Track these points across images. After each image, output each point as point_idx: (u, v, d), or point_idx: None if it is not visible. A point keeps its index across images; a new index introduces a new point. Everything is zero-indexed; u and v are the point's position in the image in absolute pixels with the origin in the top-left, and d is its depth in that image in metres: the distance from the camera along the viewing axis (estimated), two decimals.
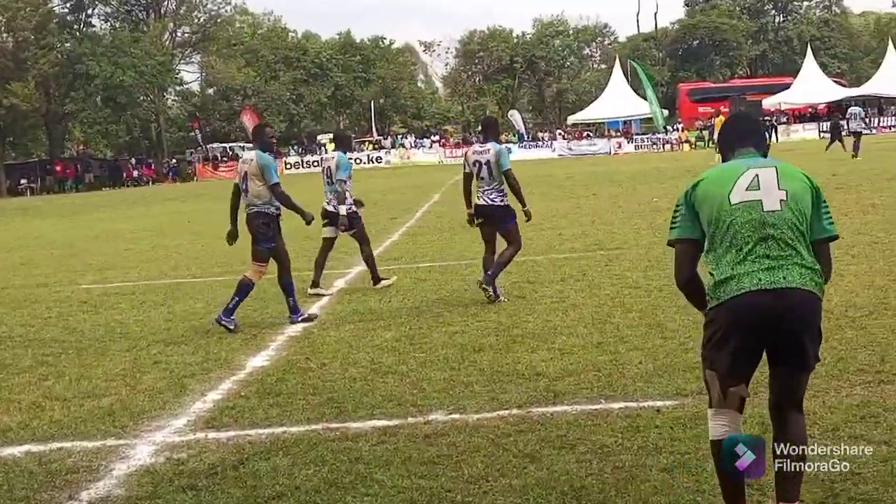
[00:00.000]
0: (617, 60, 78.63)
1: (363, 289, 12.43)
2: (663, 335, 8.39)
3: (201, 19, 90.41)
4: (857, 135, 36.51)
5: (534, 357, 7.95)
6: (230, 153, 74.26)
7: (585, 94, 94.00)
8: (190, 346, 9.43)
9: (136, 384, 7.99)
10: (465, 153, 11.40)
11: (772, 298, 4.13)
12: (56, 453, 6.24)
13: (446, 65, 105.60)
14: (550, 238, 16.08)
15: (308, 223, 10.61)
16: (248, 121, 69.37)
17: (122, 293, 13.55)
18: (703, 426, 4.96)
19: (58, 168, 72.69)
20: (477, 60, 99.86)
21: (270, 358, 8.72)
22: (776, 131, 59.04)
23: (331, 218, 12.43)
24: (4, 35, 75.79)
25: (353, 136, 69.14)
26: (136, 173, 73.48)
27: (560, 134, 75.19)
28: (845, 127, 41.49)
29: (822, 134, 61.83)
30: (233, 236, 10.83)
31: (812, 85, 67.37)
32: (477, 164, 10.91)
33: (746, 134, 4.62)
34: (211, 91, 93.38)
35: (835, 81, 71.96)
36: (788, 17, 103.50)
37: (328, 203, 12.47)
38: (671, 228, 4.52)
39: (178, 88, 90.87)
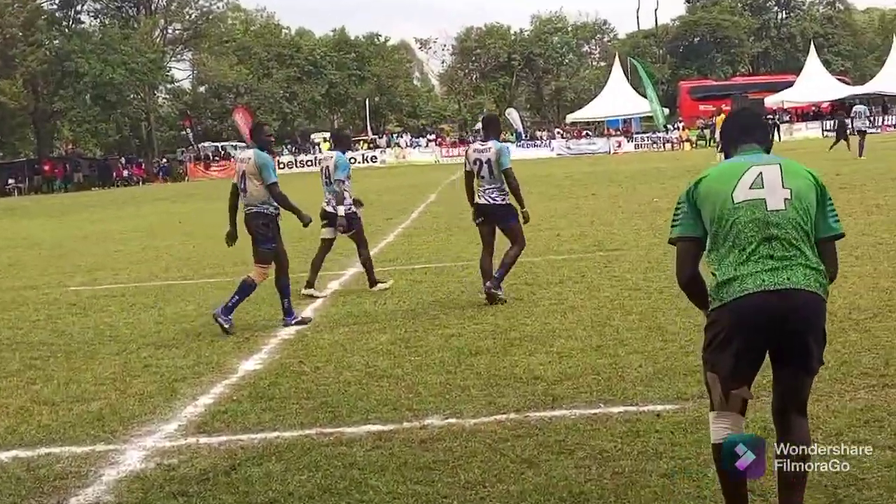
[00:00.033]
0: (616, 58, 78.70)
1: (358, 291, 12.42)
2: (664, 338, 8.39)
3: (193, 16, 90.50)
4: (862, 134, 36.55)
5: (532, 360, 7.95)
6: (222, 152, 74.25)
7: (584, 92, 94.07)
8: (181, 350, 9.42)
9: (125, 388, 7.98)
10: (466, 151, 11.42)
11: (776, 299, 4.12)
12: (44, 459, 6.23)
13: (443, 62, 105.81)
14: (549, 239, 16.08)
15: (305, 225, 10.61)
16: (241, 119, 69.38)
17: (112, 295, 13.54)
18: (704, 431, 4.96)
19: (46, 167, 72.51)
20: (474, 58, 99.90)
21: (263, 361, 8.72)
22: (779, 130, 59.06)
23: (329, 219, 12.43)
24: None
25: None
26: (125, 173, 73.33)
27: (558, 133, 75.26)
28: (850, 126, 41.52)
29: (825, 133, 61.95)
30: (232, 237, 10.83)
31: (815, 83, 67.46)
32: (477, 163, 10.91)
33: (750, 129, 4.61)
34: (202, 89, 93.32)
35: (838, 79, 72.09)
36: (791, 14, 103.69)
37: (327, 203, 12.47)
38: (672, 226, 4.52)
39: (168, 86, 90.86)
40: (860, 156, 34.39)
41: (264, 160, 10.37)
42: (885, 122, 64.71)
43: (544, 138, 72.88)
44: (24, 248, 22.81)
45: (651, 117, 70.89)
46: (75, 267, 17.64)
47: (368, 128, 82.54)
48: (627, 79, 75.03)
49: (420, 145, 74.55)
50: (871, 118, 52.89)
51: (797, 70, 74.53)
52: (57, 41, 77.18)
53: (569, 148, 68.10)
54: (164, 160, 78.80)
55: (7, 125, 78.48)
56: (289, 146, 76.36)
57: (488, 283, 10.79)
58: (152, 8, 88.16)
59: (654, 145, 66.51)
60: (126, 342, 9.97)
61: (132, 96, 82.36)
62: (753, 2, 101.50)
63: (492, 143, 10.96)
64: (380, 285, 12.27)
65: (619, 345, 8.28)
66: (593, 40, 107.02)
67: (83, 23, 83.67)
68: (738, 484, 4.32)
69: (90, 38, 78.00)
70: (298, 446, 6.13)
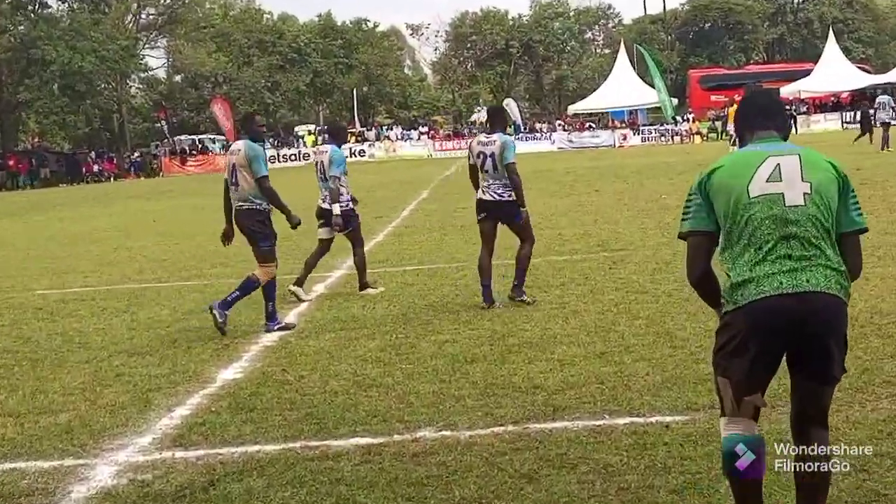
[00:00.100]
0: (622, 45, 78.59)
1: (345, 294, 12.42)
2: (672, 344, 8.40)
3: (167, 0, 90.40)
4: (886, 126, 36.62)
5: (531, 368, 7.96)
6: (199, 146, 74.25)
7: (587, 81, 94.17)
8: (155, 357, 9.41)
9: (96, 399, 7.97)
10: (470, 144, 11.44)
11: (794, 303, 4.09)
12: (8, 474, 6.22)
13: (436, 49, 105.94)
14: (550, 239, 16.09)
15: (293, 227, 10.62)
16: (219, 111, 69.34)
17: (82, 299, 13.52)
18: (715, 443, 4.97)
19: (10, 162, 72.32)
20: (469, 45, 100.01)
21: (244, 370, 8.71)
22: (796, 122, 59.14)
23: (326, 217, 12.40)
24: None
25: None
26: (96, 168, 73.30)
27: (560, 125, 75.18)
28: (873, 117, 41.63)
29: (845, 125, 62.05)
30: (228, 236, 10.83)
31: (834, 71, 67.43)
32: (481, 156, 10.92)
33: (768, 114, 4.55)
34: (178, 78, 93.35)
35: (859, 67, 72.08)
36: None
37: (323, 200, 12.45)
38: (683, 220, 4.48)
39: (142, 75, 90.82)
40: (882, 149, 34.46)
41: (255, 152, 10.39)
42: None
43: (544, 131, 72.91)
44: None
45: (659, 108, 70.86)
46: (42, 269, 17.62)
47: (356, 120, 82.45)
48: (633, 67, 75.03)
49: (411, 138, 74.53)
50: None
51: (815, 58, 74.58)
52: (22, 27, 77.18)
53: (571, 141, 68.16)
54: (137, 154, 78.73)
55: None
56: (271, 139, 76.32)
57: (511, 294, 10.86)
58: None
59: (662, 138, 66.59)
60: (96, 349, 9.95)
61: (103, 86, 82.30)
62: None
63: (497, 136, 10.97)
64: (370, 290, 12.26)
65: (625, 352, 8.29)
66: (597, 26, 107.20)
67: (50, 7, 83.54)
68: (751, 497, 4.32)
69: (58, 24, 77.94)
70: (281, 461, 6.13)
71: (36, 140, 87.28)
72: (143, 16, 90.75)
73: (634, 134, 68.11)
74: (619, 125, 71.93)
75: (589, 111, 76.37)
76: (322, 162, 12.48)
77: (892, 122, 38.18)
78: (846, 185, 4.34)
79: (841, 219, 4.29)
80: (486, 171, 10.91)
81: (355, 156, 68.32)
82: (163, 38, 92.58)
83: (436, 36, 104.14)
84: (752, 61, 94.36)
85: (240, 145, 10.55)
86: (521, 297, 10.81)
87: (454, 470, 5.76)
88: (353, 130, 76.77)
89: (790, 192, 4.21)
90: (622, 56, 75.31)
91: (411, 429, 6.60)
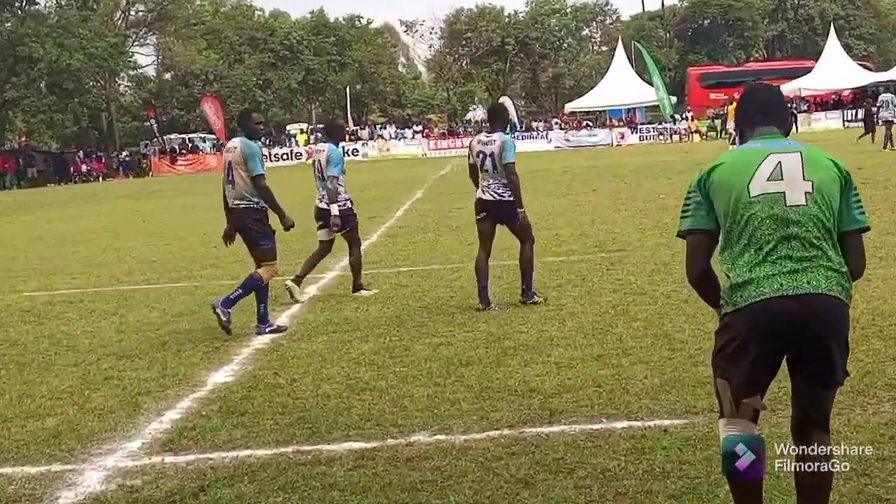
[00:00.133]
0: (619, 42, 78.68)
1: (338, 296, 12.42)
2: (671, 347, 8.40)
3: None
4: (889, 124, 36.64)
5: (527, 371, 7.96)
6: (189, 145, 74.17)
7: (585, 79, 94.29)
8: (145, 361, 9.40)
9: (84, 403, 7.96)
10: (470, 142, 11.44)
11: (795, 305, 4.09)
12: None
13: (430, 47, 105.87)
14: (546, 239, 16.08)
15: (286, 229, 10.62)
16: (210, 109, 69.34)
17: (69, 301, 13.50)
18: (715, 448, 4.97)
19: None
20: (464, 42, 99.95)
21: (234, 373, 8.70)
22: (796, 120, 59.20)
23: (324, 218, 12.39)
24: None
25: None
26: (84, 167, 73.18)
27: (556, 123, 75.26)
28: (876, 115, 41.66)
29: (846, 123, 62.12)
30: (230, 236, 10.83)
31: (835, 68, 67.47)
32: (481, 156, 10.93)
33: (769, 109, 4.54)
34: (168, 76, 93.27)
35: (860, 65, 72.15)
36: None
37: (320, 200, 12.44)
38: (682, 218, 4.47)
39: (131, 73, 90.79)
40: (885, 148, 34.51)
41: (251, 149, 10.39)
42: None
43: (541, 129, 72.88)
44: None
45: (657, 106, 70.94)
46: (29, 270, 17.60)
47: (349, 118, 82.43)
48: (631, 65, 75.12)
49: (405, 137, 74.50)
50: None
51: (816, 55, 74.66)
52: (9, 24, 76.96)
53: (567, 140, 68.22)
54: (126, 154, 78.64)
55: None
56: (262, 138, 76.24)
57: (525, 299, 10.87)
58: None
59: (661, 137, 66.69)
60: (85, 352, 9.94)
61: (91, 84, 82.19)
62: None
63: (497, 136, 10.98)
64: (363, 292, 12.25)
65: (623, 354, 8.29)
66: (594, 23, 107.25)
67: (37, 3, 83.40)
68: (751, 499, 4.32)
69: (45, 21, 77.82)
70: (273, 465, 6.12)
71: (23, 139, 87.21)
72: (133, 12, 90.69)
73: (632, 133, 68.21)
74: (616, 124, 72.05)
75: (586, 109, 76.43)
76: (319, 161, 12.47)
77: (895, 121, 38.21)
78: (848, 182, 4.33)
79: (842, 217, 4.28)
80: (486, 171, 10.92)
81: (348, 155, 67.86)
82: (152, 35, 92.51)
83: (430, 33, 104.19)
84: (752, 58, 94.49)
85: (236, 142, 10.55)
86: (532, 300, 10.83)
87: (449, 475, 5.75)
88: (346, 129, 76.82)
89: (791, 191, 4.20)
90: (620, 53, 75.37)
91: (405, 433, 6.59)
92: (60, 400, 8.09)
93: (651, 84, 69.86)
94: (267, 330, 10.24)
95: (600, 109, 75.53)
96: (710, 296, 4.46)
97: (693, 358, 7.89)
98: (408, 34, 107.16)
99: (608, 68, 77.70)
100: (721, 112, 57.39)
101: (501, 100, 76.48)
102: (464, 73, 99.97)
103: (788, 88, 65.40)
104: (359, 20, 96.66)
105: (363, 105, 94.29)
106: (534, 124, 76.59)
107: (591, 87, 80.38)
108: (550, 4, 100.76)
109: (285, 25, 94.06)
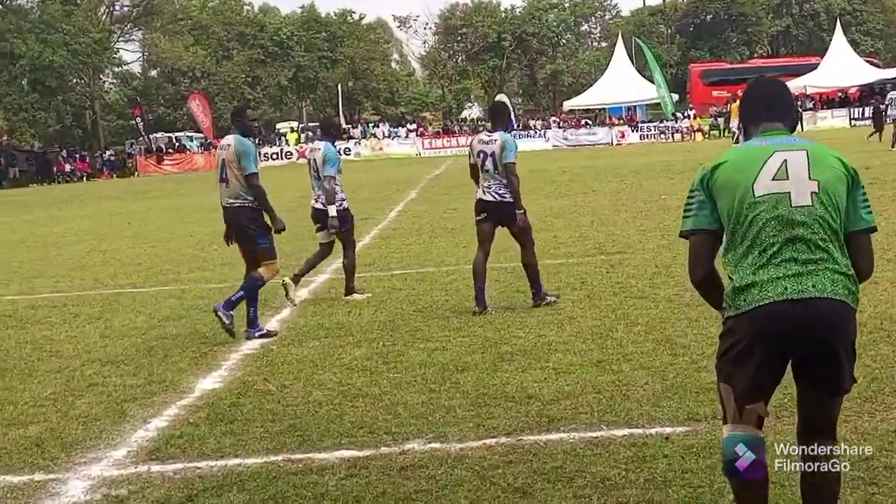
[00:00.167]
0: (619, 38, 78.67)
1: (330, 299, 12.42)
2: (673, 352, 8.41)
3: None
4: None
5: (525, 377, 7.96)
6: (176, 144, 74.10)
7: (583, 76, 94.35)
8: (130, 366, 9.39)
9: (68, 410, 7.95)
10: (471, 142, 11.45)
11: (800, 309, 4.08)
12: None
13: (424, 43, 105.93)
14: (544, 241, 16.07)
15: (278, 231, 10.61)
16: (197, 107, 69.29)
17: (53, 305, 13.50)
18: (717, 455, 4.97)
19: None
20: (459, 38, 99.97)
21: (223, 379, 8.70)
22: (801, 118, 59.23)
23: (321, 220, 12.37)
24: None
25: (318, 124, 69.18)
26: (67, 167, 73.06)
27: (554, 122, 75.23)
28: (884, 113, 41.78)
29: (853, 121, 62.18)
30: (230, 237, 10.81)
31: (842, 65, 67.50)
32: (482, 155, 10.93)
33: (775, 104, 4.52)
34: (154, 73, 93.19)
35: (867, 61, 72.21)
36: None
37: (316, 200, 12.43)
38: (685, 217, 4.45)
39: (116, 70, 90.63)
40: (893, 146, 34.55)
41: (245, 147, 10.38)
42: None
43: (538, 128, 72.79)
44: None
45: (658, 104, 71.04)
46: (11, 274, 17.58)
47: (341, 116, 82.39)
48: (632, 61, 75.14)
49: (399, 136, 74.41)
50: None
51: (822, 51, 74.69)
52: None
53: (566, 139, 68.15)
54: (111, 153, 78.45)
55: None
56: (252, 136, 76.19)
57: (540, 302, 10.88)
58: None
59: (662, 136, 66.65)
60: (68, 358, 9.93)
61: (75, 81, 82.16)
62: None
63: (498, 135, 10.98)
64: (356, 296, 12.23)
65: (623, 359, 8.29)
66: (593, 18, 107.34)
67: None
68: (752, 501, 4.31)
69: (27, 16, 77.81)
70: (263, 474, 6.12)
71: (4, 138, 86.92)
72: (118, 7, 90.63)
73: (633, 131, 68.09)
74: (616, 122, 71.98)
75: (585, 107, 76.40)
76: (315, 160, 12.45)
77: None
78: (855, 181, 4.31)
79: (850, 217, 4.27)
80: (487, 171, 10.92)
81: (340, 154, 68.08)
82: (138, 31, 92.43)
83: (424, 28, 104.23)
84: (755, 55, 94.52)
85: (230, 140, 10.55)
86: (545, 301, 10.85)
87: (444, 484, 5.76)
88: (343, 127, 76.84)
89: (797, 191, 4.18)
90: (620, 49, 75.33)
91: (399, 441, 6.60)
92: (43, 407, 8.08)
93: (652, 81, 69.87)
94: (256, 335, 10.24)
95: (600, 107, 75.45)
96: (714, 298, 4.45)
97: (695, 363, 7.89)
98: (401, 30, 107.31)
99: (608, 65, 77.70)
100: (724, 110, 57.45)
101: (498, 97, 76.76)
102: (459, 69, 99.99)
103: (793, 86, 65.30)
104: (351, 15, 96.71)
105: (356, 103, 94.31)
106: (531, 123, 76.41)
107: (591, 85, 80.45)
108: None
109: (275, 21, 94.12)
